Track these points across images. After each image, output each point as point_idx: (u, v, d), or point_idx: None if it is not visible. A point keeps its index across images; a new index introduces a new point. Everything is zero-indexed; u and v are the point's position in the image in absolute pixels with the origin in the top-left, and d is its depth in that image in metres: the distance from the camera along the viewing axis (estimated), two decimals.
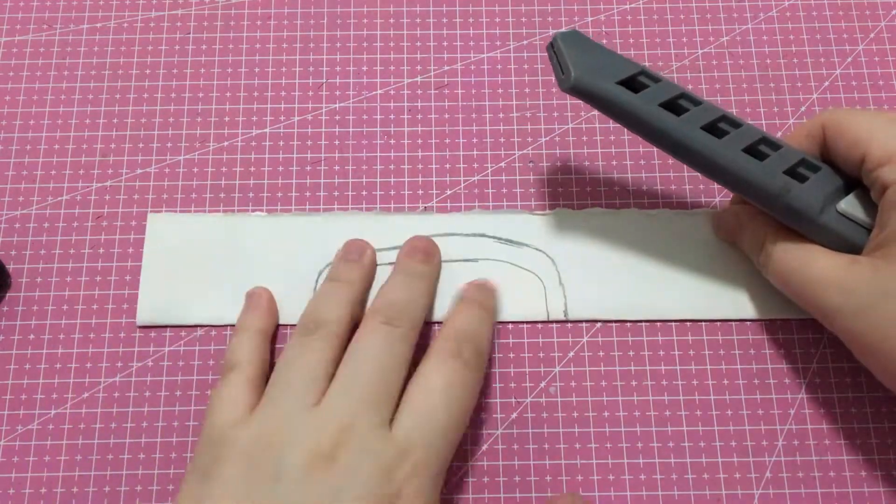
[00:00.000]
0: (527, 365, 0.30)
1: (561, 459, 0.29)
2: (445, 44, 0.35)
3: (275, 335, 0.30)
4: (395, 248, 0.31)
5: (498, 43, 0.35)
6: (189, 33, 0.35)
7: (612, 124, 0.34)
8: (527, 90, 0.34)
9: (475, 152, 0.33)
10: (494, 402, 0.30)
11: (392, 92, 0.34)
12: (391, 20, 0.35)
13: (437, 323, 0.31)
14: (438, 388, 0.26)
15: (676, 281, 0.31)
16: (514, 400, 0.30)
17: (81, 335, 0.31)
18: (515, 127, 0.34)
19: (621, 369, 0.30)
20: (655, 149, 0.33)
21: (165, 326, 0.31)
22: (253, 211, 0.32)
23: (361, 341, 0.27)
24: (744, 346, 0.31)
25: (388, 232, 0.32)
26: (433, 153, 0.33)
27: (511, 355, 0.30)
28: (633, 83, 0.26)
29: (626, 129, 0.34)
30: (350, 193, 0.33)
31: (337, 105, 0.34)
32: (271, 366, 0.29)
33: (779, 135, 0.33)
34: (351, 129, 0.34)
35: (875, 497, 0.29)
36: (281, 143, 0.33)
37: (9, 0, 0.36)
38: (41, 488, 0.29)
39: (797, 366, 0.30)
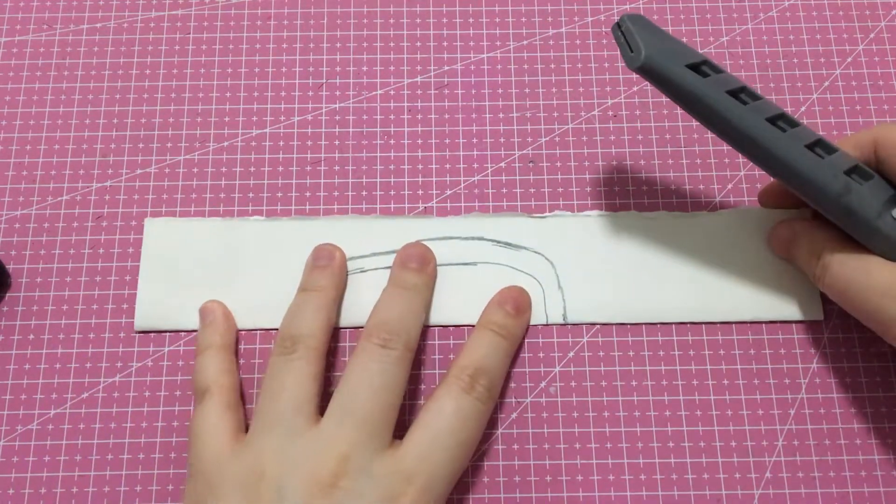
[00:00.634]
0: (527, 365, 0.30)
1: (561, 459, 0.29)
2: (445, 44, 0.35)
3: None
4: (394, 251, 0.31)
5: (498, 43, 0.35)
6: (189, 33, 0.35)
7: (611, 124, 0.34)
8: (527, 90, 0.34)
9: (475, 152, 0.33)
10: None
11: (392, 92, 0.34)
12: (391, 20, 0.35)
13: (435, 326, 0.31)
14: (448, 420, 0.26)
15: (676, 284, 0.31)
16: (514, 400, 0.30)
17: (81, 335, 0.31)
18: (515, 127, 0.34)
19: (621, 369, 0.30)
20: (655, 149, 0.33)
21: (164, 332, 0.31)
22: (253, 211, 0.32)
23: (356, 365, 0.27)
24: (744, 346, 0.30)
25: (387, 235, 0.32)
26: (433, 153, 0.33)
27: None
28: (697, 70, 0.26)
29: (625, 129, 0.34)
30: (350, 193, 0.33)
31: (337, 105, 0.34)
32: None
33: None
34: (351, 130, 0.34)
35: (875, 497, 0.29)
36: (281, 143, 0.33)
37: (9, 0, 0.36)
38: (41, 488, 0.29)
39: (797, 366, 0.30)
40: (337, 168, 0.33)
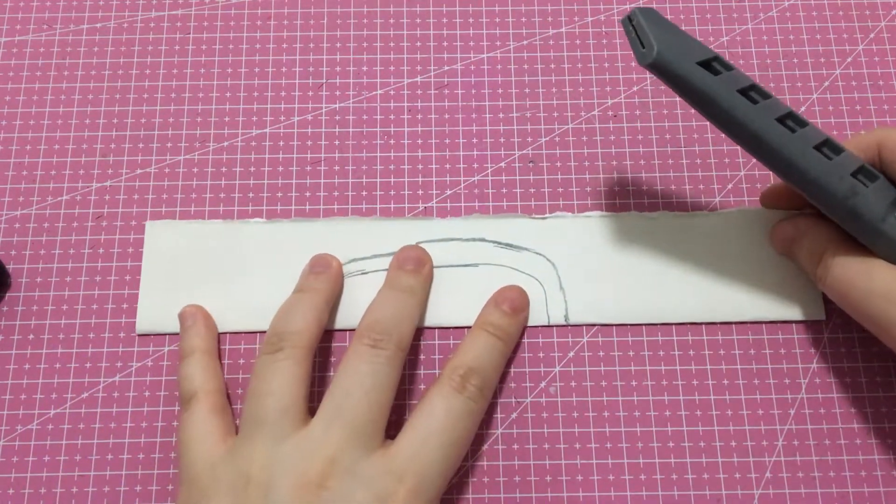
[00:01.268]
0: (527, 365, 0.30)
1: (561, 459, 0.29)
2: (445, 44, 0.35)
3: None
4: (393, 253, 0.31)
5: (498, 43, 0.35)
6: (189, 33, 0.35)
7: (611, 124, 0.34)
8: (527, 90, 0.34)
9: (475, 152, 0.33)
10: (494, 402, 0.30)
11: (392, 92, 0.34)
12: (391, 20, 0.35)
13: (435, 328, 0.31)
14: (439, 420, 0.26)
15: (678, 284, 0.31)
16: (514, 400, 0.30)
17: (81, 335, 0.31)
18: (515, 127, 0.34)
19: (621, 369, 0.30)
20: (655, 149, 0.33)
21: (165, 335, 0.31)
22: (252, 211, 0.32)
23: (347, 366, 0.27)
24: (744, 346, 0.30)
25: (387, 237, 0.32)
26: (433, 153, 0.33)
27: (511, 356, 0.30)
28: (708, 67, 0.26)
29: (625, 129, 0.34)
30: (350, 194, 0.33)
31: (337, 105, 0.34)
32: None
33: None
34: (351, 130, 0.34)
35: (875, 497, 0.29)
36: (281, 143, 0.33)
37: (9, 0, 0.36)
38: (41, 488, 0.29)
39: (797, 366, 0.30)
40: (337, 168, 0.33)
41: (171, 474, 0.29)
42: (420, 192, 0.33)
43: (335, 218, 0.32)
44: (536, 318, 0.31)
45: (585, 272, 0.31)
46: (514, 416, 0.30)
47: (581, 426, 0.30)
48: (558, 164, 0.33)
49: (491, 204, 0.32)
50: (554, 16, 0.35)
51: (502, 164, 0.33)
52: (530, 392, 0.30)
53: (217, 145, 0.33)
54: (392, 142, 0.33)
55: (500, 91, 0.34)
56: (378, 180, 0.33)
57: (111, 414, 0.30)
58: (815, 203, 0.26)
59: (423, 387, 0.30)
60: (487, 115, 0.34)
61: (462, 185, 0.33)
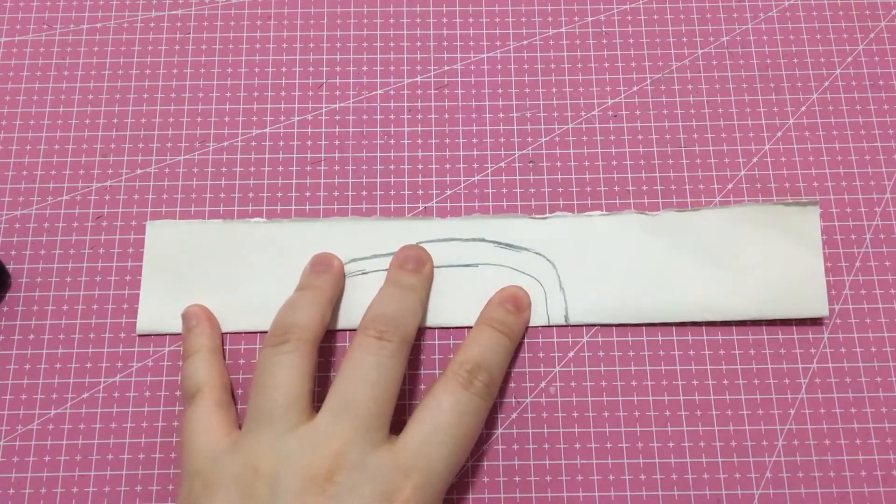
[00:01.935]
0: (527, 365, 0.30)
1: (561, 459, 0.29)
2: (445, 44, 0.35)
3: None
4: (394, 253, 0.31)
5: (498, 43, 0.35)
6: (189, 33, 0.35)
7: (611, 124, 0.34)
8: (527, 90, 0.34)
9: (475, 152, 0.33)
10: (495, 401, 0.30)
11: (392, 92, 0.34)
12: (391, 20, 0.35)
13: (436, 328, 0.31)
14: (446, 415, 0.26)
15: (677, 284, 0.31)
16: (514, 400, 0.30)
17: (81, 335, 0.31)
18: (515, 127, 0.34)
19: (621, 369, 0.30)
20: (655, 149, 0.33)
21: (165, 335, 0.31)
22: (253, 211, 0.32)
23: (352, 359, 0.26)
24: (744, 346, 0.31)
25: (388, 237, 0.32)
26: (433, 153, 0.33)
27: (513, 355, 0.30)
28: None
29: (625, 129, 0.34)
30: (350, 194, 0.33)
31: (337, 105, 0.34)
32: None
33: (779, 135, 0.33)
34: (351, 130, 0.34)
35: (875, 497, 0.29)
36: (281, 143, 0.33)
37: (9, 0, 0.36)
38: (41, 488, 0.29)
39: (797, 366, 0.30)
40: (337, 168, 0.33)
41: (172, 474, 0.29)
42: (420, 192, 0.33)
43: (335, 218, 0.32)
44: (536, 318, 0.31)
45: (585, 272, 0.31)
46: (514, 416, 0.30)
47: (581, 426, 0.30)
48: (558, 164, 0.33)
49: (491, 204, 0.32)
50: (554, 16, 0.35)
51: (502, 164, 0.33)
52: (530, 392, 0.30)
53: (217, 145, 0.33)
54: (392, 142, 0.33)
55: (500, 91, 0.34)
56: (378, 180, 0.33)
57: (111, 414, 0.30)
58: None
59: (423, 387, 0.30)
60: (487, 115, 0.34)
61: (462, 185, 0.33)
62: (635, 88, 0.34)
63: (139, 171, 0.33)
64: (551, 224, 0.32)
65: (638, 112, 0.34)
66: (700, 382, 0.30)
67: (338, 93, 0.34)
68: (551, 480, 0.29)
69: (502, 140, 0.33)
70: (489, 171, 0.33)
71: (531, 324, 0.31)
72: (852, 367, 0.30)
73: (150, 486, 0.29)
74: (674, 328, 0.31)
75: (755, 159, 0.33)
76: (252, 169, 0.33)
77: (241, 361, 0.30)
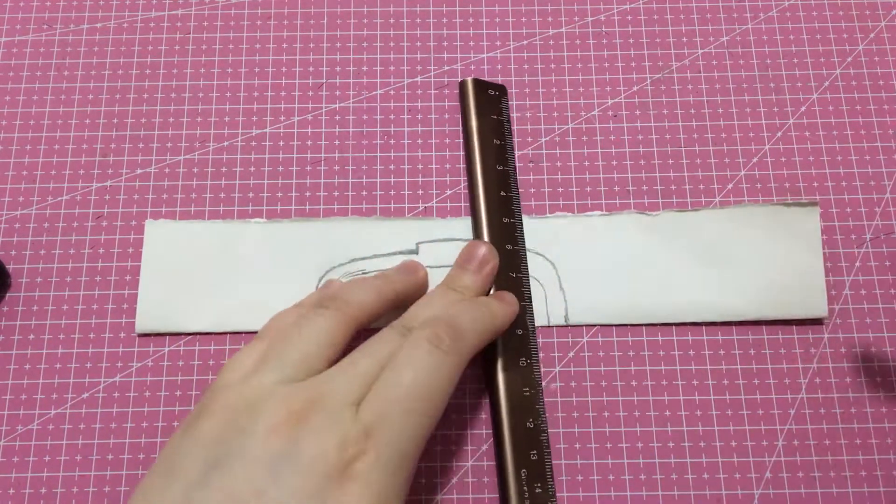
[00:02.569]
0: None
1: (561, 459, 0.29)
2: (445, 44, 0.35)
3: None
4: (394, 253, 0.31)
5: (498, 43, 0.35)
6: (189, 33, 0.35)
7: (611, 124, 0.34)
8: (527, 90, 0.34)
9: None
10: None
11: (392, 92, 0.34)
12: (391, 20, 0.35)
13: None
14: (409, 374, 0.24)
15: (678, 284, 0.31)
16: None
17: (81, 335, 0.31)
18: (515, 127, 0.34)
19: (621, 369, 0.30)
20: (655, 149, 0.33)
21: (165, 335, 0.31)
22: (253, 211, 0.32)
23: (408, 354, 0.25)
24: (744, 346, 0.31)
25: (388, 237, 0.32)
26: (433, 153, 0.33)
27: None
28: None
29: (625, 129, 0.34)
30: (350, 194, 0.33)
31: (337, 105, 0.34)
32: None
33: (779, 135, 0.33)
34: (351, 130, 0.34)
35: (875, 497, 0.29)
36: (281, 143, 0.33)
37: (9, 0, 0.36)
38: (41, 488, 0.29)
39: (797, 366, 0.30)
40: (337, 168, 0.33)
41: None
42: (420, 192, 0.33)
43: (335, 218, 0.32)
44: (537, 318, 0.31)
45: (585, 272, 0.31)
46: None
47: (581, 426, 0.30)
48: (558, 164, 0.33)
49: None
50: (554, 16, 0.35)
51: None
52: None
53: (217, 145, 0.33)
54: (392, 142, 0.33)
55: None
56: (378, 180, 0.33)
57: (111, 414, 0.30)
58: None
59: None
60: None
61: (462, 185, 0.33)
62: (635, 88, 0.34)
63: (139, 171, 0.33)
64: (551, 224, 0.32)
65: (638, 112, 0.34)
66: (700, 382, 0.30)
67: (338, 93, 0.34)
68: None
69: None
70: None
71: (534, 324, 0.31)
72: (852, 367, 0.30)
73: None
74: (674, 328, 0.31)
75: (755, 159, 0.33)
76: (252, 169, 0.33)
77: None
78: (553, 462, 0.29)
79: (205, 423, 0.23)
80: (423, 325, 0.26)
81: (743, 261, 0.31)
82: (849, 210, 0.32)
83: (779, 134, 0.33)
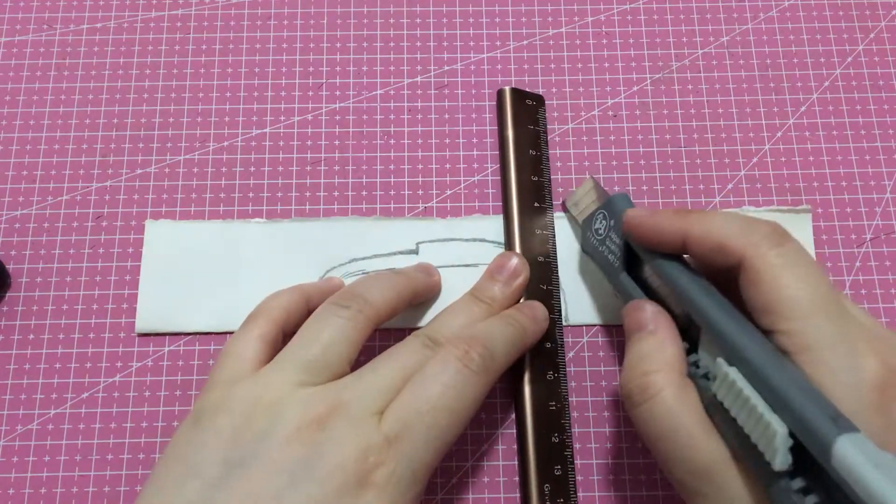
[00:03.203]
0: None
1: None
2: (445, 44, 0.35)
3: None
4: (394, 253, 0.31)
5: (498, 43, 0.35)
6: (189, 33, 0.35)
7: (611, 124, 0.34)
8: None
9: (475, 152, 0.33)
10: (495, 401, 0.30)
11: (392, 92, 0.34)
12: (391, 20, 0.35)
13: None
14: (436, 390, 0.24)
15: None
16: (514, 399, 0.30)
17: (81, 335, 0.31)
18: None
19: (621, 369, 0.30)
20: (655, 149, 0.33)
21: (164, 335, 0.31)
22: (253, 211, 0.32)
23: (432, 368, 0.25)
24: None
25: (388, 237, 0.32)
26: (433, 153, 0.33)
27: None
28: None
29: (625, 129, 0.34)
30: (350, 194, 0.33)
31: (337, 105, 0.34)
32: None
33: (779, 135, 0.33)
34: (351, 130, 0.34)
35: None
36: (281, 143, 0.33)
37: (9, 0, 0.36)
38: (41, 488, 0.29)
39: None
40: (337, 168, 0.33)
41: None
42: (420, 192, 0.33)
43: (335, 218, 0.32)
44: None
45: (585, 273, 0.31)
46: (514, 416, 0.30)
47: (581, 426, 0.30)
48: (558, 164, 0.33)
49: (491, 204, 0.32)
50: (554, 16, 0.35)
51: None
52: None
53: (217, 145, 0.33)
54: (392, 142, 0.33)
55: None
56: (378, 180, 0.33)
57: (111, 414, 0.30)
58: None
59: None
60: (487, 115, 0.34)
61: (462, 185, 0.33)
62: (635, 88, 0.34)
63: (139, 171, 0.33)
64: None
65: (638, 112, 0.34)
66: None
67: (338, 93, 0.34)
68: None
69: None
70: (489, 171, 0.33)
71: None
72: None
73: None
74: None
75: (755, 159, 0.33)
76: (252, 169, 0.33)
77: None
78: None
79: (222, 420, 0.23)
80: (454, 342, 0.26)
81: None
82: (849, 210, 0.32)
83: (779, 134, 0.33)
